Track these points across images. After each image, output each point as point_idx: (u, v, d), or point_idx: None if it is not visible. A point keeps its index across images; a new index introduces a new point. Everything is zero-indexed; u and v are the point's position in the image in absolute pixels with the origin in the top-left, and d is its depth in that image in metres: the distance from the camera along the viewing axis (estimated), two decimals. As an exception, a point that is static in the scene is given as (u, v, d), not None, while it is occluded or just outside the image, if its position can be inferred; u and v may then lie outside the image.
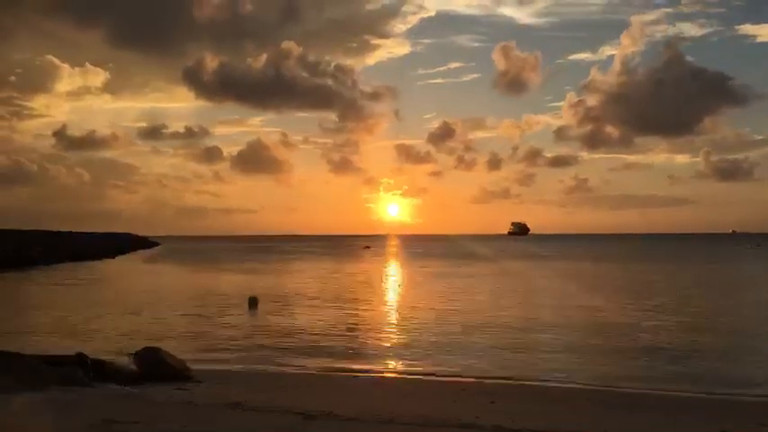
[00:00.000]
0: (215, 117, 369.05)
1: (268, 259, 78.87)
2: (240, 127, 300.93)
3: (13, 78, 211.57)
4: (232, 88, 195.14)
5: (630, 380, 13.84)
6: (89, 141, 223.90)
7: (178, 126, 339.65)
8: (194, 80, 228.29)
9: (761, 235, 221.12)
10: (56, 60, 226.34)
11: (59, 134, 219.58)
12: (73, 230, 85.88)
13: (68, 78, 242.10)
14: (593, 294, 31.65)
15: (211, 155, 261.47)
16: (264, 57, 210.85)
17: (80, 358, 11.68)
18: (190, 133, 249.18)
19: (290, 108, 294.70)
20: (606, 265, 62.55)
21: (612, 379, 13.86)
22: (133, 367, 12.52)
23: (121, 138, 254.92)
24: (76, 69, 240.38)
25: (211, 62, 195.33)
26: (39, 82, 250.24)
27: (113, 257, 76.23)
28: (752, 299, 30.69)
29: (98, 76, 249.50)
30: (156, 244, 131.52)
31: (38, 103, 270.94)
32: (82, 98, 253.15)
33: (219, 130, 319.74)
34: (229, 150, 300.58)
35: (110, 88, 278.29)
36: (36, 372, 10.41)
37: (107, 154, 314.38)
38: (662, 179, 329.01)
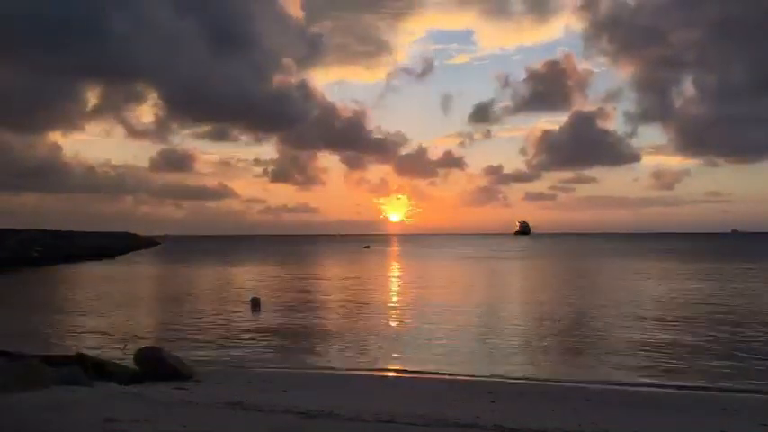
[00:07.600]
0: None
1: (273, 258, 78.83)
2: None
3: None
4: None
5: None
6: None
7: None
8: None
9: (760, 234, 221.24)
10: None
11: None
12: (74, 230, 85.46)
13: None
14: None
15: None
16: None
17: (80, 358, 11.69)
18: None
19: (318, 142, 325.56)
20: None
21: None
22: (133, 367, 12.53)
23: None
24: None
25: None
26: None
27: (113, 257, 76.15)
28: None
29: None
30: (157, 243, 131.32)
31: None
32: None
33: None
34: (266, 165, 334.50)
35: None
36: (36, 372, 10.39)
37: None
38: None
